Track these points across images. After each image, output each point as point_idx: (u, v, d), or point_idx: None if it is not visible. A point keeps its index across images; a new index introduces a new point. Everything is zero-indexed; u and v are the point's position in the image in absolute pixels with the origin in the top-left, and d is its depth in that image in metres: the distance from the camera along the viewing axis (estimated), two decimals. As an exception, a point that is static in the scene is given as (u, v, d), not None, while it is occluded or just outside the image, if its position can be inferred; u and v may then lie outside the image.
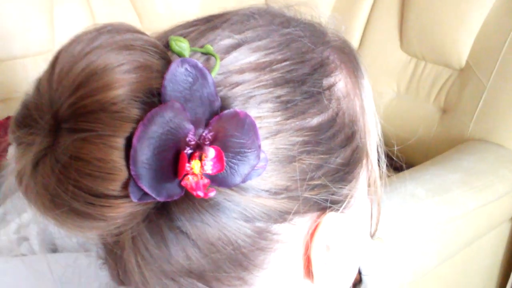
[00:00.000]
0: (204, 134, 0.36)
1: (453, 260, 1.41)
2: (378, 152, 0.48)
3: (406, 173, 1.44)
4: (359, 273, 1.28)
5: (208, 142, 0.36)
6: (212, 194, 0.35)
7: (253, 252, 0.39)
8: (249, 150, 0.36)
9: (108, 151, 0.33)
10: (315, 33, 0.45)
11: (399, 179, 1.37)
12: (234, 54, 0.39)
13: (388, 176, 0.52)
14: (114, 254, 0.40)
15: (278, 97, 0.39)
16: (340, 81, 0.44)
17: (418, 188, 1.33)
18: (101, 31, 0.35)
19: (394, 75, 1.95)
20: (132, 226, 0.37)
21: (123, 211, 0.35)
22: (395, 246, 1.22)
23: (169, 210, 0.37)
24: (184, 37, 0.40)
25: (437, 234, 1.31)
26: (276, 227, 0.39)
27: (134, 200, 0.34)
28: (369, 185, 0.47)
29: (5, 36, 1.75)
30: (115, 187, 0.34)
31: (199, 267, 0.38)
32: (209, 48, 0.39)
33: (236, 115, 0.36)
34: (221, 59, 0.39)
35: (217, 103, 0.36)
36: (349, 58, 0.46)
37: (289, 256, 0.41)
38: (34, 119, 0.35)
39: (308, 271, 0.42)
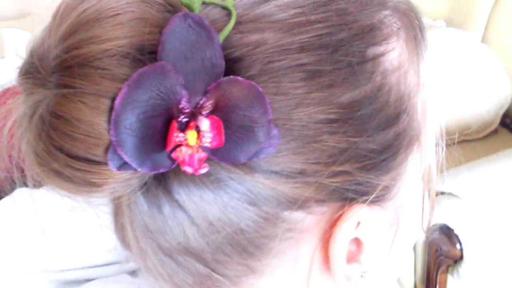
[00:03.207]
0: (201, 102, 0.31)
1: None
2: (436, 137, 0.40)
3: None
4: (460, 249, 1.18)
5: (206, 111, 0.31)
6: (203, 171, 0.31)
7: (258, 238, 0.34)
8: (256, 125, 0.31)
9: (88, 112, 0.30)
10: None
11: None
12: (257, 11, 0.33)
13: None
14: (115, 217, 0.37)
15: (303, 65, 0.33)
16: (393, 50, 0.36)
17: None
18: None
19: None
20: (128, 193, 0.33)
21: (108, 178, 0.31)
22: (504, 219, 1.11)
23: (167, 180, 0.33)
24: None
25: None
26: (287, 214, 0.34)
27: (113, 168, 0.30)
28: (421, 176, 0.39)
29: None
30: (96, 151, 0.30)
31: (197, 246, 0.34)
32: (230, 1, 0.33)
33: (236, 83, 0.31)
34: (242, 15, 0.33)
35: (220, 68, 0.31)
36: (411, 23, 0.38)
37: (305, 248, 0.36)
38: (35, 66, 0.32)
39: (328, 267, 0.37)
